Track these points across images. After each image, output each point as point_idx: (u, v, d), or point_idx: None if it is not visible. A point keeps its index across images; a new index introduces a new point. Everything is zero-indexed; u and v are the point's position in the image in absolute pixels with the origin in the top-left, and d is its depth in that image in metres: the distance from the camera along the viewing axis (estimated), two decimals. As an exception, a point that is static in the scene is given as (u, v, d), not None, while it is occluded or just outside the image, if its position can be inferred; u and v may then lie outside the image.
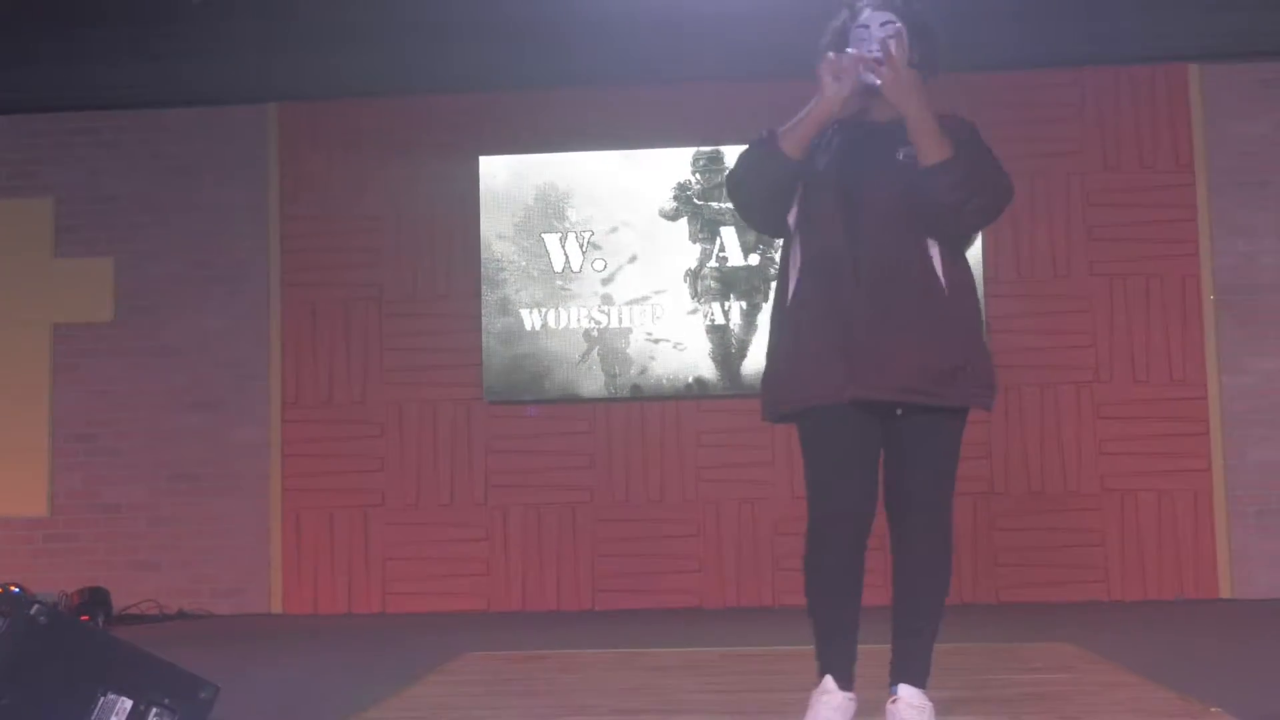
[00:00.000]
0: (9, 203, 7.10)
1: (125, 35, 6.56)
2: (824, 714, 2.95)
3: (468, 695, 3.88)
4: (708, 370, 6.73)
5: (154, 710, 2.99)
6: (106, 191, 7.10)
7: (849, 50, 2.96)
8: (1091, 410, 6.62)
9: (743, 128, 6.58)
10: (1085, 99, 6.79)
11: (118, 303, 7.03)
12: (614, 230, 6.83)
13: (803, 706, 3.01)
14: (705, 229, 6.79)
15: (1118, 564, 6.53)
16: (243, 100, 7.06)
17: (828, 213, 3.01)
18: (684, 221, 6.82)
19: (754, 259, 6.74)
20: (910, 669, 3.00)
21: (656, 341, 6.77)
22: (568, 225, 6.85)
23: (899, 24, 3.02)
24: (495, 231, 6.86)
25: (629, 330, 6.78)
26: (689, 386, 6.73)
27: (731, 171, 3.19)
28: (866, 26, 3.04)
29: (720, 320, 6.75)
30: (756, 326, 6.68)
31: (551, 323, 6.81)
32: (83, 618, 5.71)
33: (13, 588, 5.90)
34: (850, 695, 2.98)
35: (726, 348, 6.74)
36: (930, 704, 2.98)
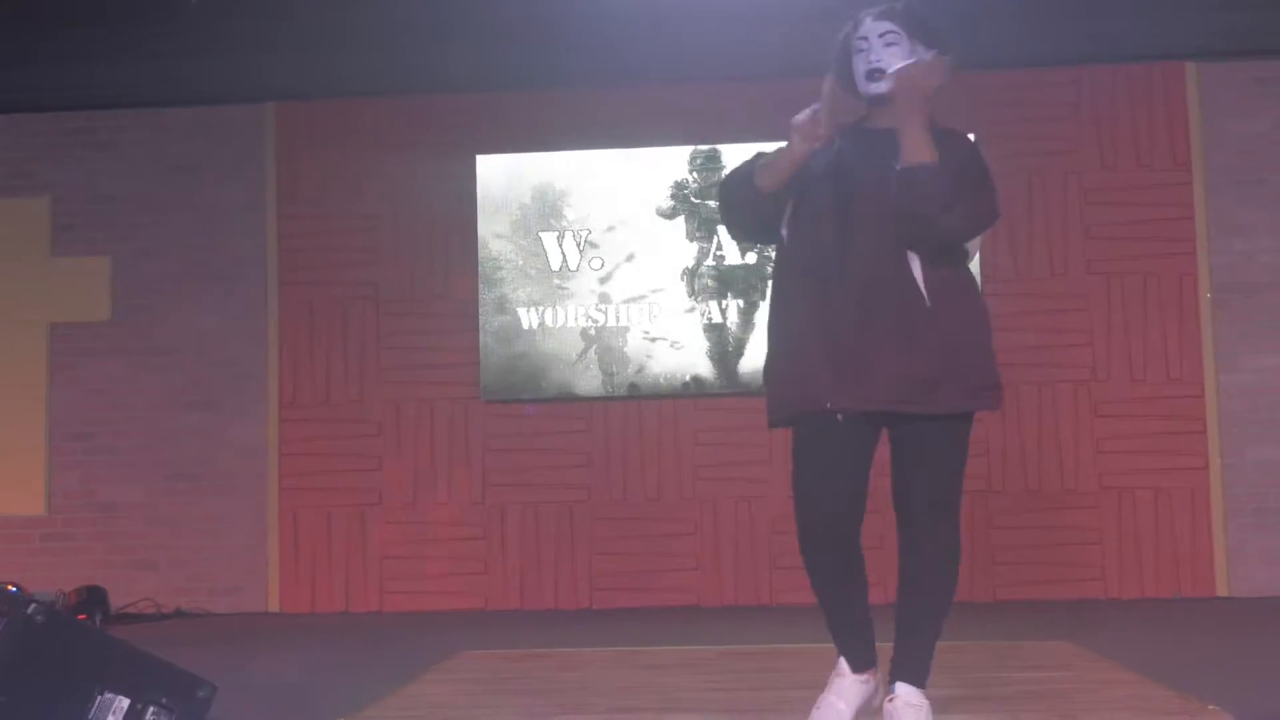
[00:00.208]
0: (6, 202, 7.09)
1: (122, 34, 6.55)
2: (829, 698, 3.05)
3: (465, 694, 3.88)
4: (705, 369, 6.73)
5: (151, 709, 2.99)
6: (103, 191, 7.09)
7: (816, 109, 2.96)
8: (1089, 409, 6.62)
9: (740, 127, 6.67)
10: (1082, 98, 6.79)
11: (115, 302, 7.03)
12: (611, 229, 6.83)
13: (801, 704, 3.07)
14: (702, 228, 6.79)
15: (1115, 562, 6.54)
16: (240, 100, 7.05)
17: (821, 216, 3.02)
18: (681, 220, 6.82)
19: (751, 258, 6.74)
20: (909, 668, 3.02)
21: (654, 340, 6.77)
22: (565, 224, 6.85)
23: (900, 33, 3.03)
24: (492, 230, 6.86)
25: (626, 329, 6.78)
26: (686, 385, 6.73)
27: (718, 193, 3.22)
28: (866, 38, 3.05)
29: (717, 319, 6.75)
30: (754, 325, 6.68)
31: (549, 321, 6.81)
32: (80, 617, 5.71)
33: (10, 587, 5.89)
34: (863, 677, 3.06)
35: (724, 346, 6.74)
36: (927, 702, 2.99)
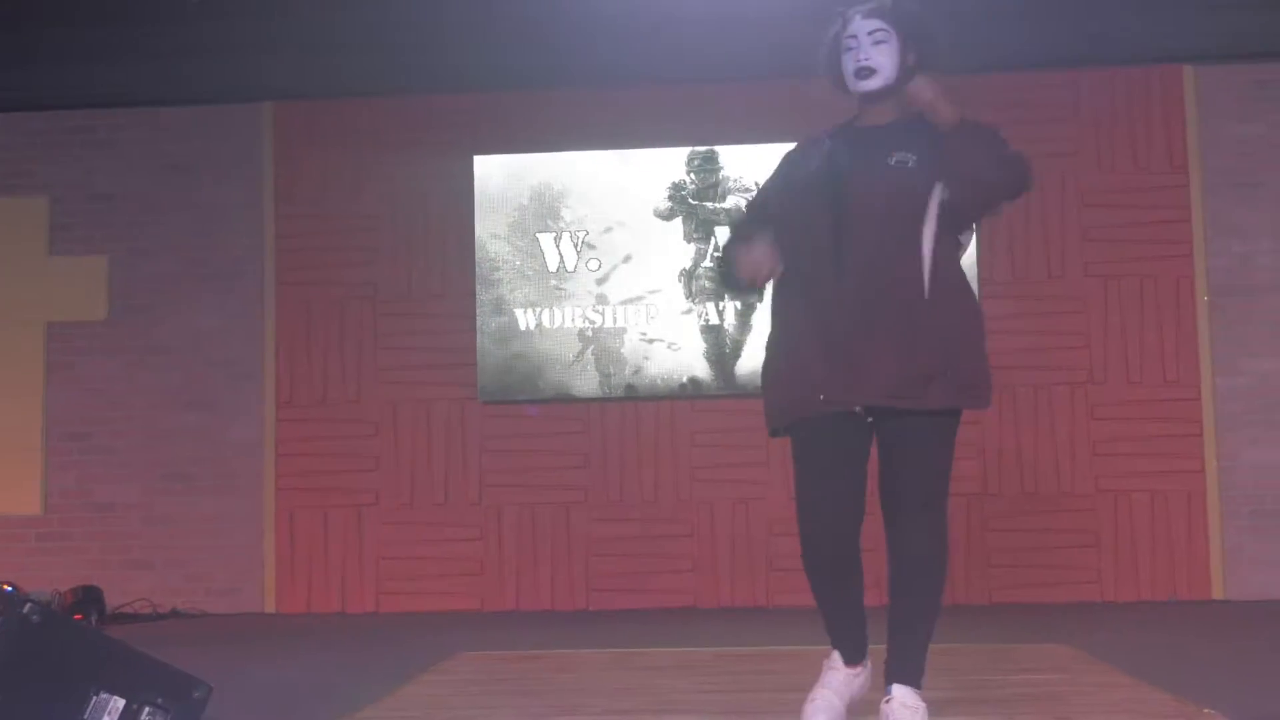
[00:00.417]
0: (4, 201, 7.09)
1: (121, 34, 6.55)
2: (823, 691, 3.08)
3: (462, 695, 3.88)
4: (702, 370, 6.73)
5: (147, 710, 2.98)
6: (101, 190, 7.09)
7: (760, 247, 3.02)
8: (1085, 411, 6.62)
9: (737, 128, 6.68)
10: (1080, 100, 6.79)
11: (112, 301, 7.03)
12: (608, 230, 6.83)
13: (797, 706, 3.08)
14: (700, 229, 6.79)
15: (1111, 565, 6.54)
16: (238, 99, 7.05)
17: (816, 218, 3.02)
18: (678, 221, 6.82)
19: (749, 259, 6.73)
20: (904, 669, 3.01)
21: (651, 341, 6.77)
22: (562, 225, 6.85)
23: (889, 30, 3.03)
24: (490, 231, 6.86)
25: (623, 330, 6.78)
26: (683, 386, 6.73)
27: (716, 260, 3.29)
28: (855, 36, 3.06)
29: (714, 320, 6.74)
30: (751, 326, 6.68)
31: (546, 322, 6.80)
32: (76, 617, 5.71)
33: (6, 586, 5.90)
34: (855, 671, 3.12)
35: (721, 348, 6.74)
36: (924, 704, 2.99)
